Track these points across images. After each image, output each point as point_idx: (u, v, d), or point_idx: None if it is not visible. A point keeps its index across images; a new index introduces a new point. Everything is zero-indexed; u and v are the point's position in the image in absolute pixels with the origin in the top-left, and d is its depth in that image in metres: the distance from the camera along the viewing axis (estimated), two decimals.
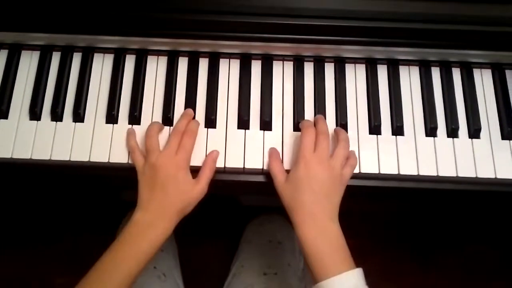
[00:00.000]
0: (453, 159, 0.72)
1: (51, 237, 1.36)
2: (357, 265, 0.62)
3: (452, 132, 0.73)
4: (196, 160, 0.70)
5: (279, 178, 0.68)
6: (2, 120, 0.73)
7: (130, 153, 0.70)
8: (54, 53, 0.77)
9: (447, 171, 0.71)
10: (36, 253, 1.35)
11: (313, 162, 0.65)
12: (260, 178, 0.72)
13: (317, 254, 0.61)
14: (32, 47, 0.77)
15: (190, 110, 0.73)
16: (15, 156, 0.71)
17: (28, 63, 0.76)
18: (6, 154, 0.71)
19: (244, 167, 0.71)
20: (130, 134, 0.71)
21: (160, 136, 0.71)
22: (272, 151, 0.71)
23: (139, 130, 0.72)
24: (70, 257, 1.32)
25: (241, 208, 1.22)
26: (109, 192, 1.26)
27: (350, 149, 0.70)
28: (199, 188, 0.67)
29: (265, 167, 0.71)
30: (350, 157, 0.69)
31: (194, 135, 0.70)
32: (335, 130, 0.72)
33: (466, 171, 0.71)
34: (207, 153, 0.71)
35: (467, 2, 0.71)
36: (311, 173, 0.64)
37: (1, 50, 0.77)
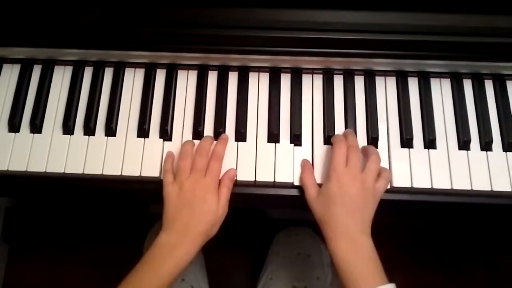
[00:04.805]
0: (487, 173, 0.70)
1: (76, 246, 1.37)
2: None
3: (486, 145, 0.72)
4: None
5: (311, 191, 0.67)
6: (36, 134, 0.74)
7: (163, 174, 0.70)
8: (86, 68, 0.78)
9: (481, 185, 0.70)
10: (60, 262, 1.36)
11: (346, 177, 0.64)
12: (291, 192, 0.72)
13: (349, 269, 0.61)
14: (65, 63, 0.78)
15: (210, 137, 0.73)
16: (49, 170, 0.71)
17: (61, 78, 0.77)
18: (40, 168, 0.71)
19: (274, 180, 0.71)
20: (168, 157, 0.71)
21: None
22: (305, 163, 0.71)
23: (170, 144, 0.73)
24: (95, 267, 1.33)
25: (267, 221, 1.21)
26: (136, 204, 1.27)
27: (382, 162, 0.69)
28: (220, 207, 0.67)
29: (295, 181, 0.71)
30: (383, 171, 0.68)
31: (220, 159, 0.69)
32: (363, 147, 0.72)
33: (501, 185, 0.70)
34: (226, 171, 0.70)
35: (499, 14, 0.70)
36: (344, 188, 0.64)
37: (35, 65, 0.78)
